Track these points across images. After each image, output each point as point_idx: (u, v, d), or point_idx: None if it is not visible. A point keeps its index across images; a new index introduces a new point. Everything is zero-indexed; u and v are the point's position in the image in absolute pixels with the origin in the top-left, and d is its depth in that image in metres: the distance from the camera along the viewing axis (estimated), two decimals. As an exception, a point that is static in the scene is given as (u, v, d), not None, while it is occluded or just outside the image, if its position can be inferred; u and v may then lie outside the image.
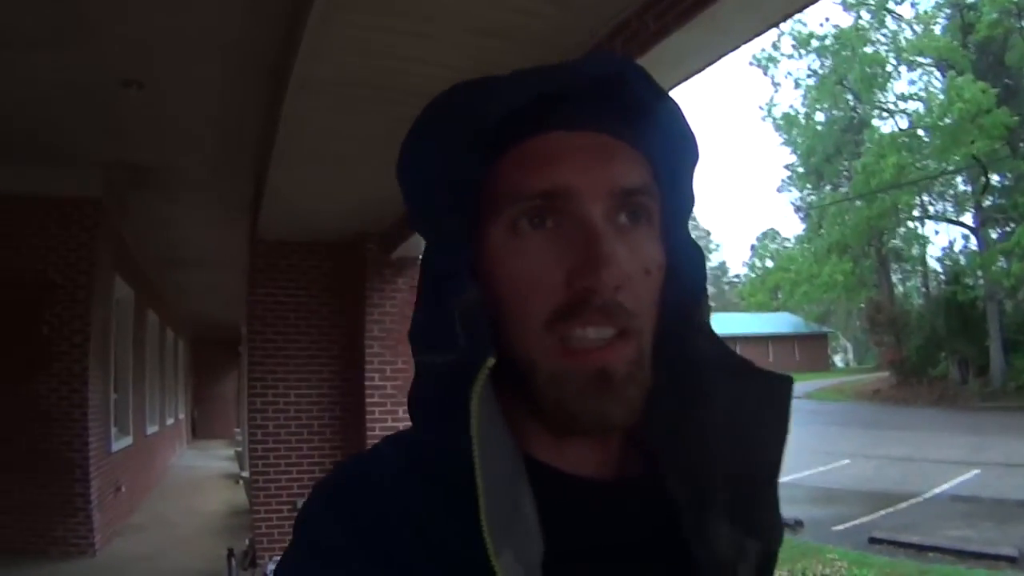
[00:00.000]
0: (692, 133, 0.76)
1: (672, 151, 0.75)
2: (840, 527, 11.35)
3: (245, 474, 11.87)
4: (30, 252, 7.66)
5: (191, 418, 24.55)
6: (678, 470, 0.74)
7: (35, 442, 7.43)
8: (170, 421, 17.29)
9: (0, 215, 7.56)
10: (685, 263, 0.75)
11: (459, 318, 0.67)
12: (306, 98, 4.44)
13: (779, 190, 46.92)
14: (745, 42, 3.67)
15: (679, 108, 0.75)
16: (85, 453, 7.69)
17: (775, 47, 38.30)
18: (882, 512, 12.11)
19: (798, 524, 11.60)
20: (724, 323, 58.53)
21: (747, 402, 0.73)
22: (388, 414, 7.93)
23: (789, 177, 47.62)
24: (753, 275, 66.35)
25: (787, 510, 12.29)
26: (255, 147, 6.56)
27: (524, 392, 0.69)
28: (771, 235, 70.81)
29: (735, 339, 55.44)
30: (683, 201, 0.77)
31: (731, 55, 3.71)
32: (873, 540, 10.26)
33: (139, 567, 7.67)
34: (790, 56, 38.76)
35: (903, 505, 12.53)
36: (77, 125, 6.39)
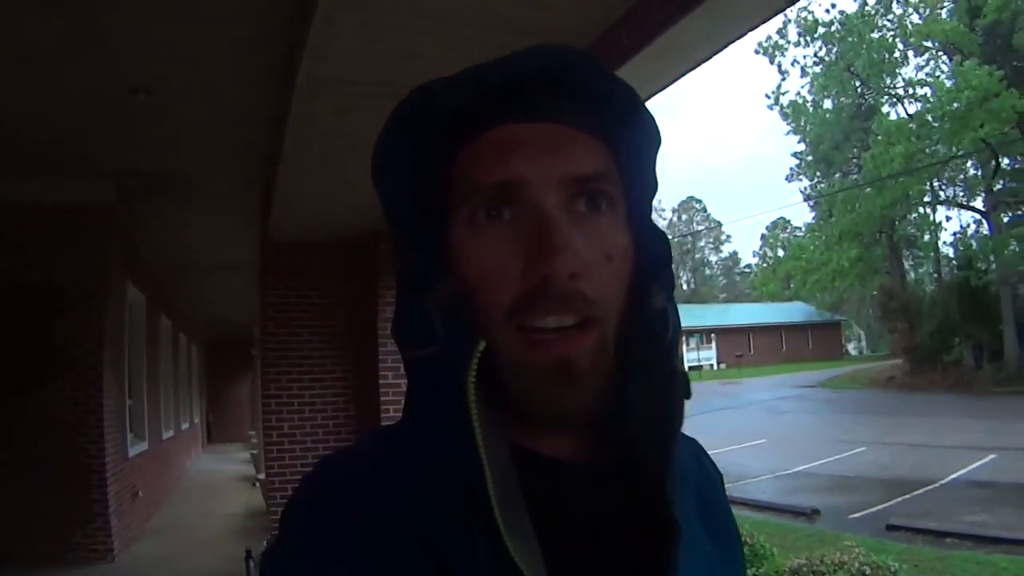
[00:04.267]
0: (651, 118, 0.77)
1: (631, 137, 0.76)
2: (857, 515, 11.33)
3: (262, 476, 11.91)
4: (42, 260, 7.70)
5: (206, 422, 24.62)
6: (645, 450, 0.73)
7: (52, 449, 7.47)
8: (185, 426, 17.35)
9: (11, 223, 7.58)
10: (646, 248, 0.75)
11: (436, 313, 0.69)
12: (314, 98, 4.45)
13: (788, 179, 46.72)
14: (751, 29, 3.67)
15: (635, 94, 0.76)
16: (101, 459, 7.74)
17: (781, 34, 38.30)
18: (899, 499, 12.08)
19: (815, 512, 11.59)
20: (738, 314, 58.57)
21: (661, 392, 0.73)
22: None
23: (798, 165, 47.50)
24: (764, 265, 66.24)
25: (804, 498, 12.42)
26: (264, 150, 6.58)
27: (494, 382, 0.68)
28: (781, 224, 70.67)
29: (749, 329, 55.44)
30: (646, 186, 0.78)
31: (737, 43, 3.71)
32: (890, 527, 10.23)
33: (158, 571, 7.71)
34: (796, 43, 38.63)
35: (920, 492, 12.49)
36: (87, 133, 6.42)
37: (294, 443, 8.20)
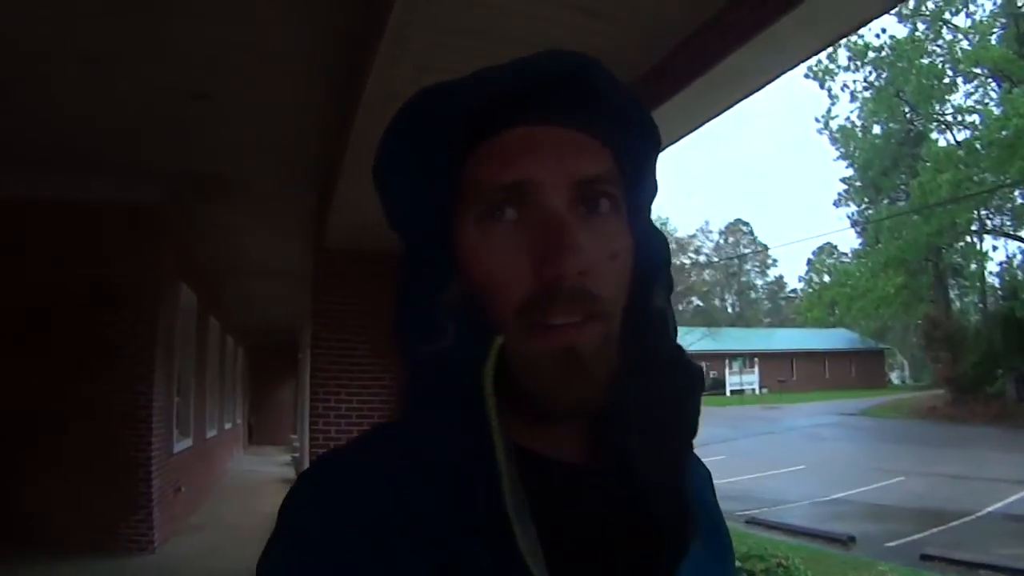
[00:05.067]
0: (652, 123, 0.80)
1: (633, 142, 0.78)
2: (892, 543, 11.25)
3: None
4: (99, 258, 7.89)
5: (248, 424, 24.85)
6: (644, 453, 0.75)
7: (101, 441, 7.64)
8: (228, 426, 17.53)
9: (69, 223, 7.79)
10: (646, 249, 0.77)
11: (447, 311, 0.71)
12: (378, 113, 4.56)
13: (836, 204, 46.34)
14: (802, 61, 3.76)
15: (638, 100, 0.79)
16: (148, 453, 7.92)
17: (831, 59, 37.95)
18: (935, 529, 11.96)
19: (851, 539, 11.50)
20: (781, 339, 57.79)
21: (673, 389, 0.76)
22: (447, 423, 8.00)
23: (846, 190, 47.01)
24: (810, 290, 65.45)
25: (840, 525, 12.32)
26: (320, 159, 6.72)
27: (501, 380, 0.69)
28: (828, 250, 69.66)
29: (792, 354, 54.73)
30: (646, 189, 0.80)
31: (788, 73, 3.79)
32: (924, 557, 10.16)
33: (196, 565, 7.86)
34: (846, 68, 38.21)
35: (956, 523, 12.35)
36: (146, 136, 6.58)
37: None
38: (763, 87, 3.88)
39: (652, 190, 0.81)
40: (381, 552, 0.65)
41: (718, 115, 4.28)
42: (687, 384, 0.77)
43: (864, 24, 3.46)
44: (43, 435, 7.52)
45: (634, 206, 0.77)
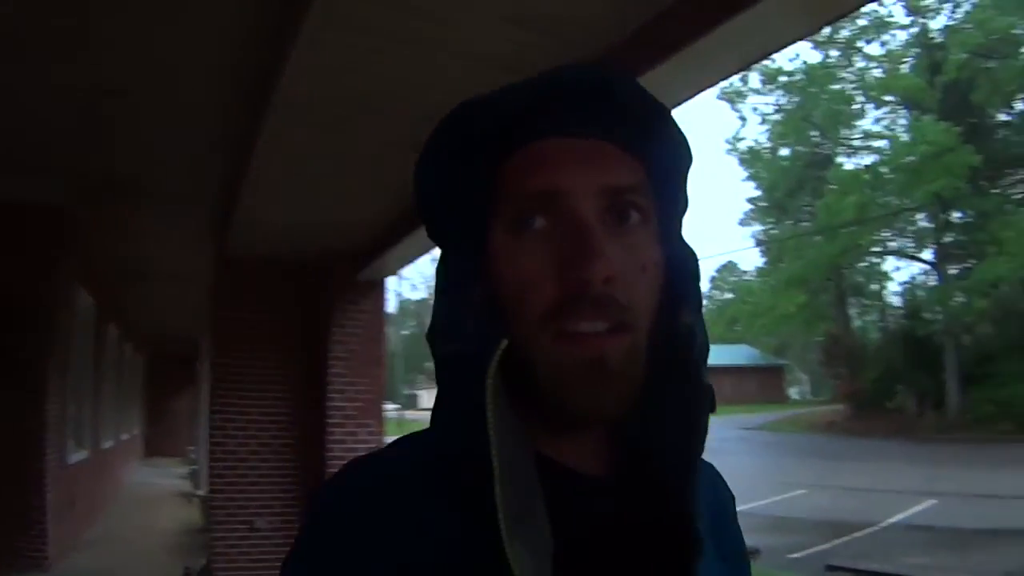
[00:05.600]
0: (684, 138, 0.80)
1: (664, 156, 0.79)
2: (796, 555, 11.42)
3: (201, 492, 11.71)
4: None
5: (144, 435, 24.14)
6: (664, 466, 0.76)
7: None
8: (125, 436, 16.98)
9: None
10: (676, 264, 0.78)
11: (470, 312, 0.72)
12: (287, 116, 4.43)
13: (741, 223, 47.26)
14: (723, 79, 3.76)
15: (670, 115, 0.79)
16: (42, 465, 7.52)
17: (743, 82, 38.80)
18: (838, 541, 12.20)
19: (755, 552, 11.64)
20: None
21: (687, 404, 0.76)
22: (348, 435, 7.89)
23: (751, 210, 48.09)
24: (711, 306, 66.94)
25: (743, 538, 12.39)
26: (227, 165, 6.50)
27: (526, 388, 0.71)
28: (730, 267, 71.51)
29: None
30: (677, 204, 0.81)
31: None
32: (830, 567, 10.31)
33: (93, 583, 7.55)
34: (757, 91, 39.17)
35: (859, 534, 12.64)
36: (50, 132, 6.23)
37: (239, 460, 8.05)
38: (681, 103, 3.87)
39: (683, 204, 0.82)
40: (393, 559, 0.66)
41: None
42: (699, 401, 0.76)
43: (785, 46, 3.47)
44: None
45: (664, 220, 0.78)
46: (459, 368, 0.72)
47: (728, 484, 0.94)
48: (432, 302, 0.78)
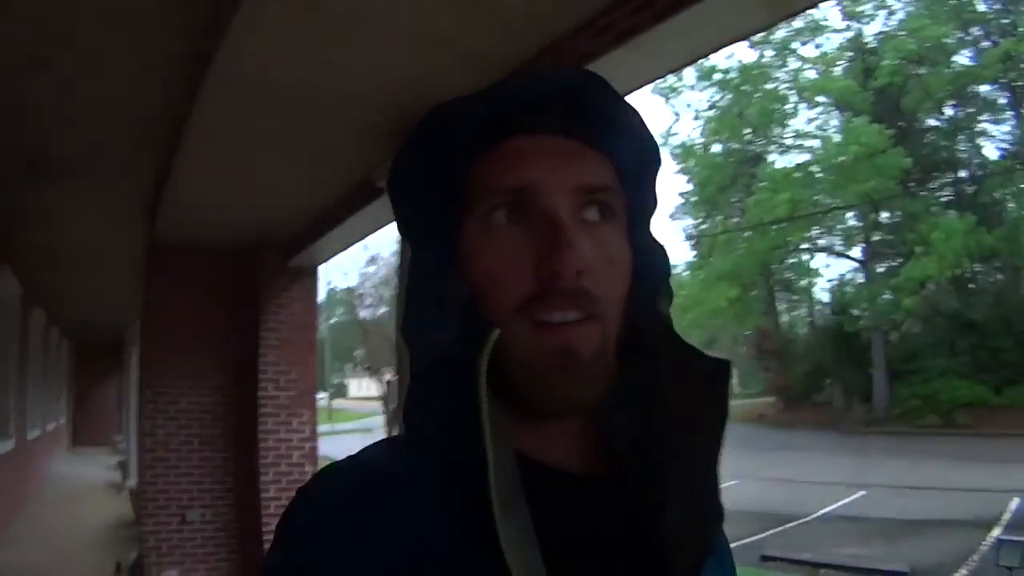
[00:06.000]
0: (653, 139, 0.82)
1: (634, 156, 0.81)
2: (731, 545, 11.50)
3: (130, 483, 11.44)
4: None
5: (71, 424, 23.53)
6: (644, 464, 0.78)
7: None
8: (51, 426, 16.58)
9: None
10: (649, 261, 0.80)
11: (449, 307, 0.73)
12: (222, 93, 4.31)
13: (672, 217, 47.30)
14: (670, 71, 3.76)
15: (640, 116, 0.81)
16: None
17: (678, 77, 39.01)
18: (772, 531, 12.45)
19: (689, 543, 11.77)
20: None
21: (692, 385, 0.78)
22: (281, 424, 7.82)
23: (682, 205, 48.40)
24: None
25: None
26: (159, 144, 6.30)
27: (500, 380, 0.70)
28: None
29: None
30: (646, 202, 0.83)
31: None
32: (765, 558, 10.40)
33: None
34: (691, 87, 39.46)
35: (792, 525, 12.91)
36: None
37: (169, 451, 7.87)
38: (627, 94, 3.85)
39: (653, 203, 0.84)
40: (382, 559, 0.66)
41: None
42: (705, 377, 0.79)
43: (732, 42, 3.46)
44: None
45: (635, 218, 0.81)
46: (444, 363, 0.72)
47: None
48: (402, 297, 0.81)
